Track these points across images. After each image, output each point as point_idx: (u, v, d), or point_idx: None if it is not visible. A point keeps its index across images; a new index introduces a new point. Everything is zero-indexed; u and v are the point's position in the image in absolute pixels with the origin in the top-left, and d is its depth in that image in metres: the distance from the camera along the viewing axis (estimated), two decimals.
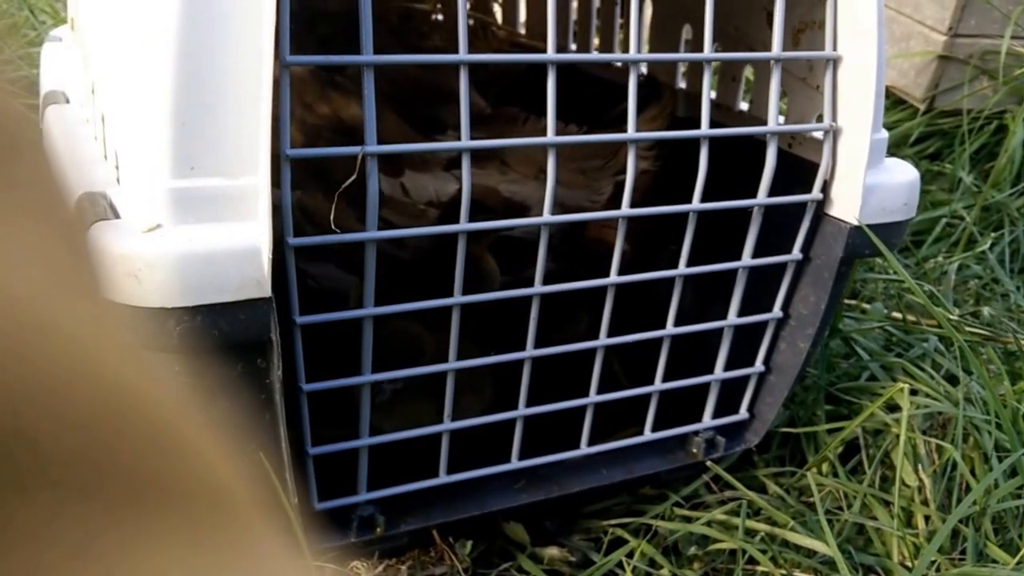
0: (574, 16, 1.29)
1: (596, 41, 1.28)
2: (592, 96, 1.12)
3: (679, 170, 0.82)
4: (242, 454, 0.19)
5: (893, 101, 1.84)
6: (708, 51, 0.68)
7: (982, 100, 1.72)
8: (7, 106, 0.18)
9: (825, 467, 0.89)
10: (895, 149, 1.77)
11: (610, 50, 1.19)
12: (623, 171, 1.00)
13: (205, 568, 0.16)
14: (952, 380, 0.97)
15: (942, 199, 1.60)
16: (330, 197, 0.62)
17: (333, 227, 0.60)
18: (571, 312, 0.92)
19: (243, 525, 0.17)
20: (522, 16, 1.46)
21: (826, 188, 0.77)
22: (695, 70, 1.03)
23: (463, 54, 0.60)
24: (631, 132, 0.67)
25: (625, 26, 1.17)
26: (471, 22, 1.51)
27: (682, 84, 1.06)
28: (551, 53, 0.63)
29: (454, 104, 1.01)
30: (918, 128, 1.76)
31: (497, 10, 1.50)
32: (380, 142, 0.59)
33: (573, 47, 1.31)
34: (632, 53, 0.66)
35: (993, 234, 1.44)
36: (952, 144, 1.74)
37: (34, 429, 0.14)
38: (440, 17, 1.53)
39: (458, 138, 0.61)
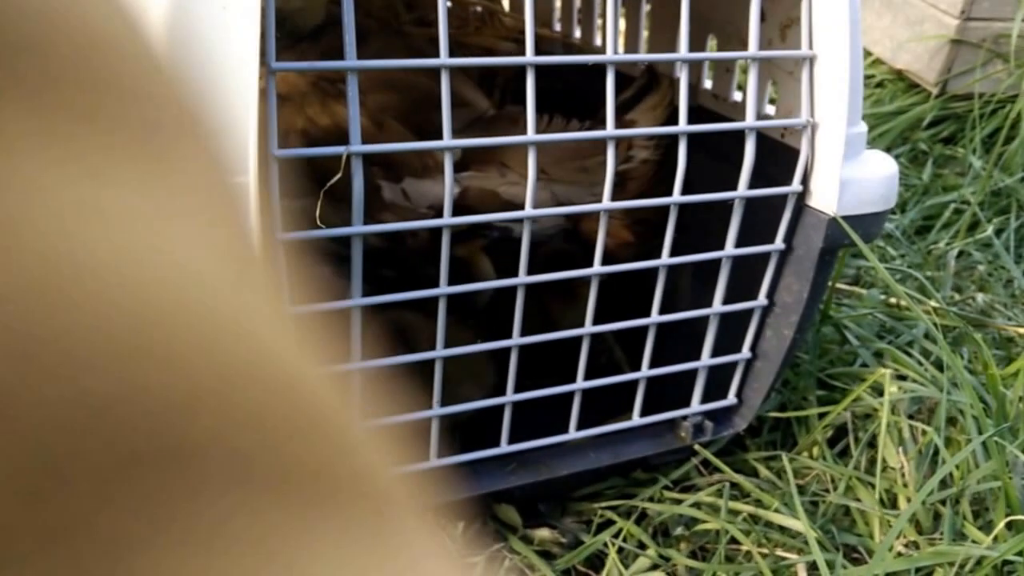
0: (578, 3, 1.32)
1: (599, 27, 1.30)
2: (600, 86, 1.14)
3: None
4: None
5: (907, 85, 1.85)
6: (684, 51, 0.71)
7: (995, 84, 1.72)
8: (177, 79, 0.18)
9: (815, 451, 0.92)
10: (908, 133, 1.78)
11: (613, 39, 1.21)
12: (626, 162, 1.02)
13: (376, 566, 0.16)
14: (942, 366, 0.99)
15: (955, 183, 1.61)
16: (335, 204, 0.65)
17: (319, 223, 0.63)
18: (577, 301, 0.95)
19: (406, 526, 0.17)
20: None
21: (806, 180, 0.79)
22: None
23: (444, 58, 0.62)
24: (610, 130, 0.70)
25: (628, 16, 1.19)
26: (479, 9, 1.54)
27: (680, 74, 1.08)
28: (530, 56, 0.65)
29: (456, 109, 1.04)
30: (931, 112, 1.77)
31: None
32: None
33: (577, 34, 1.33)
34: (609, 55, 0.68)
35: (1001, 219, 1.44)
36: (965, 128, 1.74)
37: (213, 432, 0.15)
38: (448, 3, 1.55)
39: None
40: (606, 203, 0.72)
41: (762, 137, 0.79)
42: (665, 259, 0.77)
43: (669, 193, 0.78)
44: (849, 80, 0.74)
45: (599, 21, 1.31)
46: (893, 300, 1.12)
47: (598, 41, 1.28)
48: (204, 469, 0.14)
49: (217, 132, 0.19)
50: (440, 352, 0.72)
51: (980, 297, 1.16)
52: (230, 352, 0.15)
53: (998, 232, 1.40)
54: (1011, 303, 1.23)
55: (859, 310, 1.09)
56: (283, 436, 0.16)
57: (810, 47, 0.76)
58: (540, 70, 0.86)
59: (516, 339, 0.74)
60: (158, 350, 0.14)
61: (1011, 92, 1.70)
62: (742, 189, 0.77)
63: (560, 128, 1.00)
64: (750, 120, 0.75)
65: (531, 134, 0.67)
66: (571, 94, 0.98)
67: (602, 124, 1.05)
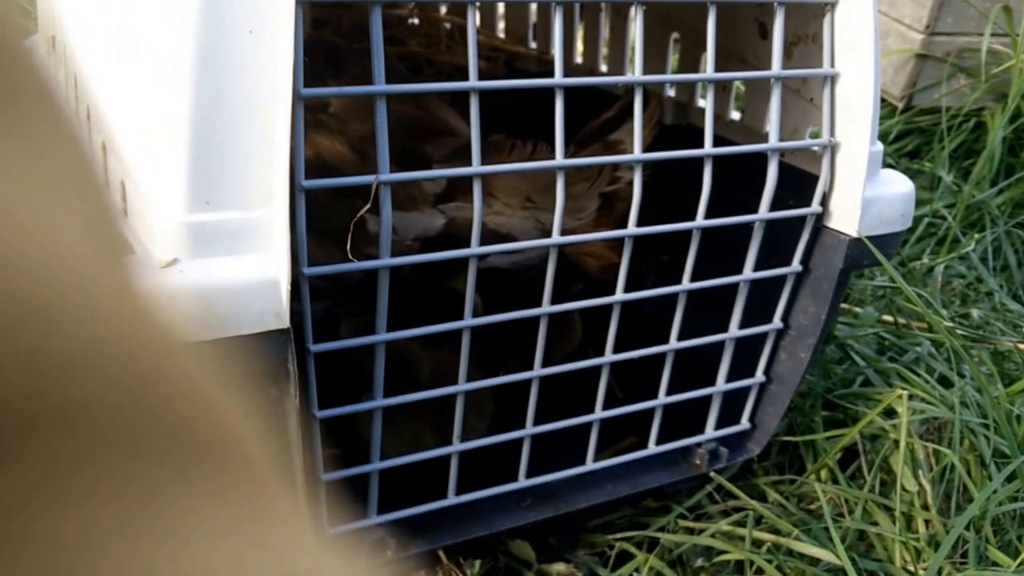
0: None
1: (580, 47, 1.28)
2: (575, 103, 1.12)
3: (668, 175, 0.83)
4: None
5: None
6: (711, 71, 0.69)
7: (960, 98, 1.74)
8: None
9: (823, 474, 0.90)
10: None
11: (595, 60, 1.20)
12: (613, 183, 1.00)
13: (252, 526, 0.17)
14: (944, 382, 0.98)
15: (923, 198, 1.62)
16: (315, 236, 0.62)
17: (349, 256, 0.60)
18: (568, 327, 0.92)
19: (275, 497, 0.18)
20: (501, 18, 1.46)
21: (824, 201, 0.78)
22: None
23: (473, 81, 0.60)
24: (637, 153, 0.68)
25: (611, 41, 1.17)
26: (448, 26, 1.51)
27: (670, 92, 1.06)
28: (559, 77, 0.63)
29: (440, 137, 1.01)
30: (897, 126, 1.78)
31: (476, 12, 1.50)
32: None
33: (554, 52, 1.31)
34: (637, 75, 0.66)
35: (976, 234, 1.45)
36: (931, 141, 1.75)
37: (93, 394, 0.15)
38: (416, 21, 1.52)
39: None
40: (631, 229, 0.70)
41: (763, 157, 0.76)
42: (686, 284, 0.75)
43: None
44: (872, 98, 0.73)
45: (577, 39, 1.29)
46: (888, 318, 1.11)
47: (577, 60, 1.26)
48: (89, 432, 0.15)
49: (65, 104, 0.19)
50: (462, 387, 0.69)
51: (975, 312, 1.16)
52: (103, 321, 0.16)
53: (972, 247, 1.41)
54: (994, 317, 1.23)
55: (857, 328, 1.08)
56: (162, 403, 0.16)
57: (831, 65, 0.75)
58: (516, 98, 0.84)
59: (537, 370, 0.72)
60: (34, 317, 0.14)
61: (976, 106, 1.71)
62: (763, 212, 0.75)
63: (545, 155, 0.98)
64: (773, 142, 0.74)
65: (559, 159, 0.65)
66: (543, 115, 0.96)
67: (582, 147, 1.04)
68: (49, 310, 0.15)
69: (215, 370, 0.18)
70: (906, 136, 1.80)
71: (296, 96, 0.55)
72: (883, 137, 1.78)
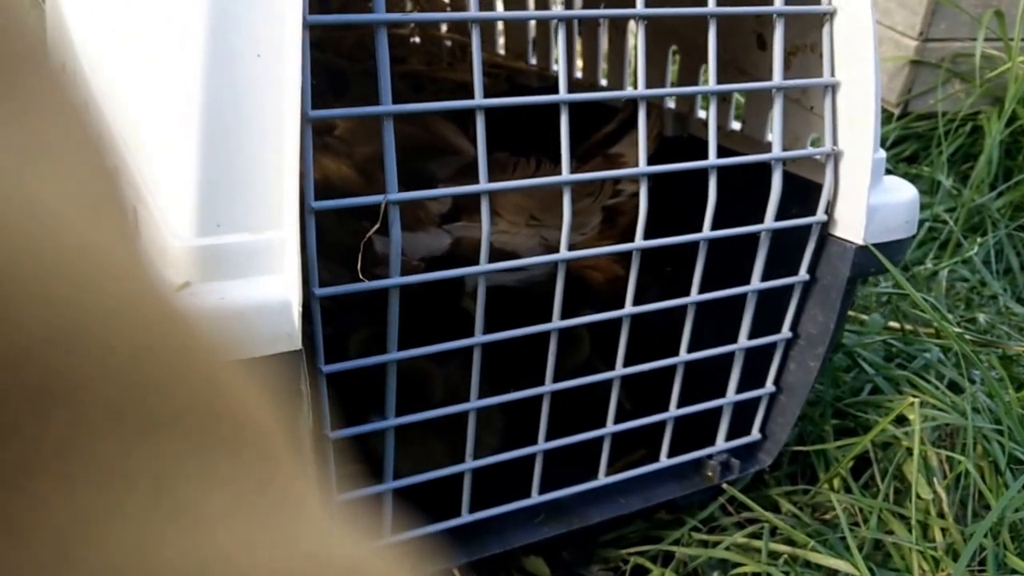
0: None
1: (580, 63, 1.29)
2: (575, 117, 1.12)
3: (667, 187, 0.83)
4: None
5: None
6: (713, 83, 0.69)
7: (955, 103, 1.74)
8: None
9: (836, 483, 0.90)
10: None
11: (595, 74, 1.20)
12: (615, 196, 1.00)
13: (266, 508, 0.17)
14: (953, 388, 0.98)
15: (923, 202, 1.62)
16: (322, 257, 0.62)
17: (360, 276, 0.60)
18: (576, 340, 0.92)
19: (287, 469, 0.18)
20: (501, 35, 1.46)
21: (829, 209, 0.78)
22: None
23: (479, 99, 0.60)
24: (642, 166, 0.68)
25: (610, 54, 1.18)
26: (448, 44, 1.52)
27: (670, 104, 1.06)
28: (563, 93, 0.63)
29: (443, 156, 1.01)
30: (893, 132, 1.78)
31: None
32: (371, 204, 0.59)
33: (556, 68, 1.32)
34: (640, 90, 0.66)
35: (978, 238, 1.45)
36: (928, 147, 1.76)
37: (97, 365, 0.15)
38: (417, 40, 1.53)
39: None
40: (639, 243, 0.70)
41: (764, 167, 0.77)
42: (695, 296, 0.75)
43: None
44: (874, 105, 0.73)
45: (576, 54, 1.29)
46: (894, 324, 1.11)
47: (577, 74, 1.26)
48: (97, 403, 0.14)
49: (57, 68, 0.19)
50: (474, 404, 0.69)
51: (982, 317, 1.16)
52: (105, 290, 0.15)
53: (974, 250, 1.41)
54: (1000, 321, 1.23)
55: (864, 335, 1.08)
56: (171, 377, 0.16)
57: (831, 74, 0.75)
58: (516, 116, 0.83)
59: (549, 386, 0.72)
60: (32, 285, 0.14)
61: (971, 110, 1.72)
62: (769, 222, 0.75)
63: (548, 171, 0.98)
64: (776, 152, 0.74)
65: (566, 174, 0.65)
66: (545, 131, 0.96)
67: (583, 162, 1.04)
68: (44, 278, 0.14)
69: (223, 347, 0.18)
70: (903, 142, 1.81)
71: (304, 119, 0.55)
72: (880, 143, 1.78)
